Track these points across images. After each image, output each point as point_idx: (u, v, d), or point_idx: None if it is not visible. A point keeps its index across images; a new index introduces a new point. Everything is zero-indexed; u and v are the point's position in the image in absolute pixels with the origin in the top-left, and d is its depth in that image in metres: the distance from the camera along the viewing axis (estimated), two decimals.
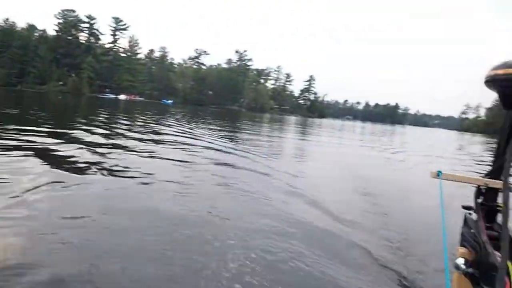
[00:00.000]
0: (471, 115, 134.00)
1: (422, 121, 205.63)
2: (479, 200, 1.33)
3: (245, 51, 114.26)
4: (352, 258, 3.39)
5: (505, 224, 0.90)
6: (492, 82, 1.18)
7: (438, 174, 1.20)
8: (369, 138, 27.92)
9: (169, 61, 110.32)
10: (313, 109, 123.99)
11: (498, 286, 0.81)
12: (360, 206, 5.34)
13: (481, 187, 1.23)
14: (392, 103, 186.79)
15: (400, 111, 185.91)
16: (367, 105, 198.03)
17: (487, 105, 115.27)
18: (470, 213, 1.29)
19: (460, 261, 1.14)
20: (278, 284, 2.68)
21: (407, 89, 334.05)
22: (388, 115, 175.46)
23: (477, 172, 11.17)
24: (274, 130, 24.39)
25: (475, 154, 18.77)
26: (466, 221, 1.27)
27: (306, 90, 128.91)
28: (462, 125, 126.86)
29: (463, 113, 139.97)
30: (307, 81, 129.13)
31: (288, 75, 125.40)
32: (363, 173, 8.32)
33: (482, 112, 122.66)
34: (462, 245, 1.19)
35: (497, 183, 1.18)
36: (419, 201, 5.99)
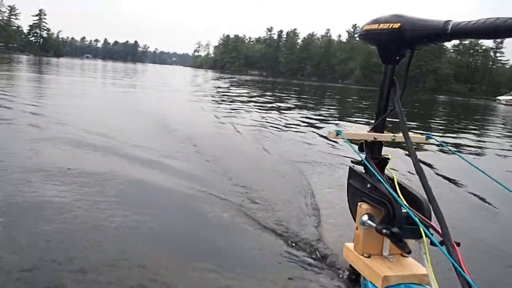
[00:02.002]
0: (202, 53, 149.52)
1: (162, 58, 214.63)
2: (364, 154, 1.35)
3: None
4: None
5: (425, 182, 0.93)
6: (367, 36, 1.19)
7: (338, 134, 1.17)
8: (123, 76, 27.92)
9: None
10: (47, 47, 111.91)
11: (448, 248, 0.81)
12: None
13: (368, 141, 1.22)
14: (131, 41, 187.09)
15: (140, 49, 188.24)
16: (106, 42, 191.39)
17: (215, 44, 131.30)
18: (353, 166, 1.26)
19: (365, 217, 1.12)
20: None
21: (146, 26, 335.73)
22: (128, 53, 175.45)
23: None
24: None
25: (222, 87, 23.22)
26: (354, 174, 1.26)
27: (37, 26, 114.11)
28: (195, 62, 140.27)
29: (196, 50, 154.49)
30: (37, 15, 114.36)
31: (12, 8, 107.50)
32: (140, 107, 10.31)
33: (211, 50, 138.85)
34: (361, 200, 1.18)
35: (385, 136, 1.21)
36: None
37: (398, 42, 1.13)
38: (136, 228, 2.44)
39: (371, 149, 1.24)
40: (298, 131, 7.52)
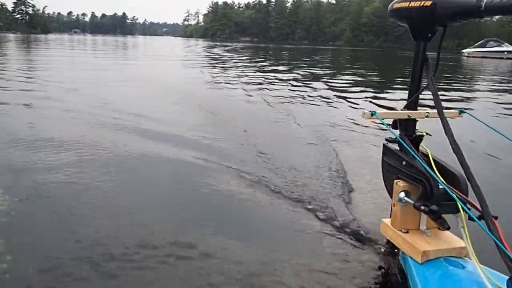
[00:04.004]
0: (192, 22, 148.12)
1: (152, 29, 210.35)
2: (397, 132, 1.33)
3: None
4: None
5: (463, 159, 0.90)
6: (397, 14, 1.18)
7: (373, 114, 1.18)
8: (131, 52, 25.64)
9: None
10: (34, 24, 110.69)
11: (488, 224, 0.80)
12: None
13: (401, 119, 1.23)
14: (119, 13, 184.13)
15: (128, 21, 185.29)
16: (93, 16, 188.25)
17: (204, 12, 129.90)
18: (387, 143, 1.29)
19: (402, 194, 1.15)
20: None
21: None
22: (117, 26, 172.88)
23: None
24: None
25: (219, 54, 23.04)
26: (388, 151, 1.27)
27: (22, 2, 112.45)
28: (185, 31, 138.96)
29: (185, 20, 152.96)
30: None
31: None
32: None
33: (201, 18, 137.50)
34: (397, 177, 1.21)
35: (419, 114, 1.21)
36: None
37: (430, 19, 1.13)
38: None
39: (405, 126, 1.26)
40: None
